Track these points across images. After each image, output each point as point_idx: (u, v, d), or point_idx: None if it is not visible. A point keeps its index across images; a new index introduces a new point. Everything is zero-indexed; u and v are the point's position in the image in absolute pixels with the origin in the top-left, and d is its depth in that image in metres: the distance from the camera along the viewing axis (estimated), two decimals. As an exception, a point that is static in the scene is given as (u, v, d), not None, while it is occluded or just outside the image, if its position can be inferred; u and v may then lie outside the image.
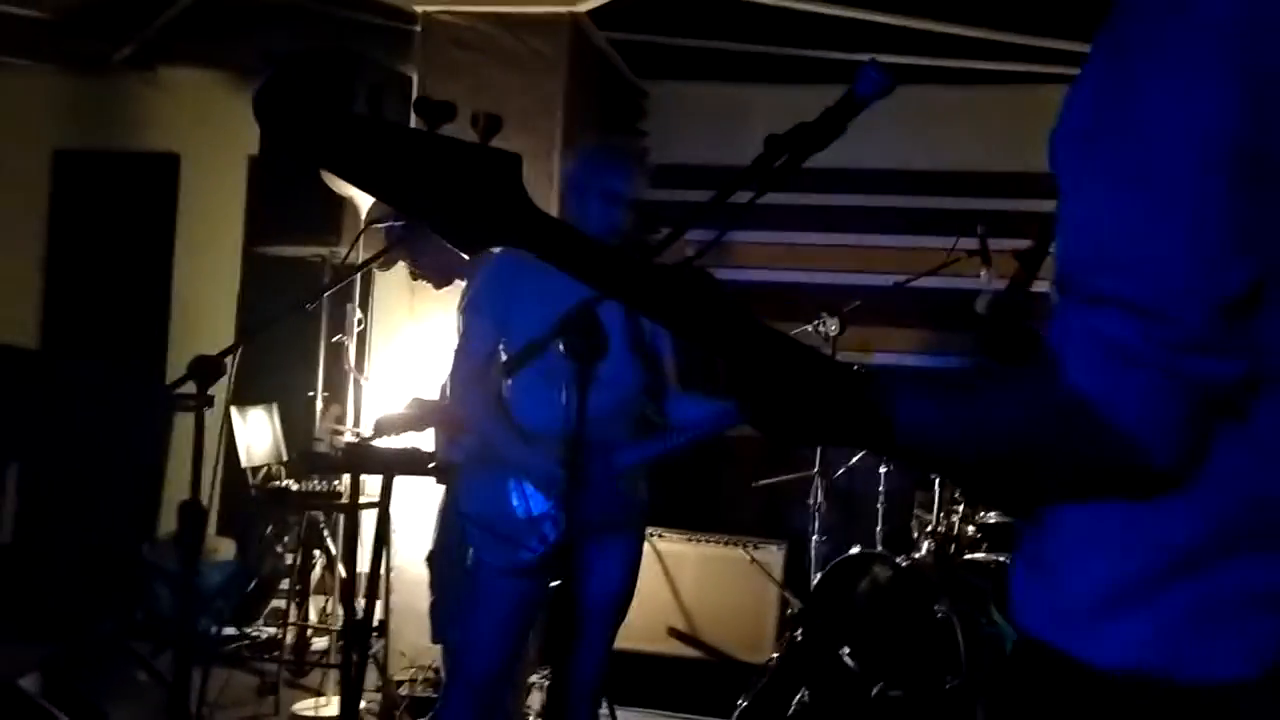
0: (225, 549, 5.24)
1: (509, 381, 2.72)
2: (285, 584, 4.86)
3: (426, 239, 3.24)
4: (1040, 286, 3.21)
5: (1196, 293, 0.83)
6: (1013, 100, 5.03)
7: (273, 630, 4.82)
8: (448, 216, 0.94)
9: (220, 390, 2.49)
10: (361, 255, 4.25)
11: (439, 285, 3.48)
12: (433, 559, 3.46)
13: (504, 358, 2.68)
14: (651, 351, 2.74)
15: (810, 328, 4.03)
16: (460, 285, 3.46)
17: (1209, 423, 0.88)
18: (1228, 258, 0.83)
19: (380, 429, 3.31)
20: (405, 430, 3.36)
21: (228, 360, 2.28)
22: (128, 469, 5.47)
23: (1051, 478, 0.94)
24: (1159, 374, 0.84)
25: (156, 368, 5.77)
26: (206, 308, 5.74)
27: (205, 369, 2.22)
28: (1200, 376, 0.85)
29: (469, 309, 2.75)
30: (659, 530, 4.34)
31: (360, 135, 0.92)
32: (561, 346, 1.68)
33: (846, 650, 3.67)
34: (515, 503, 2.61)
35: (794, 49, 4.78)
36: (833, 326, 4.02)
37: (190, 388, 2.31)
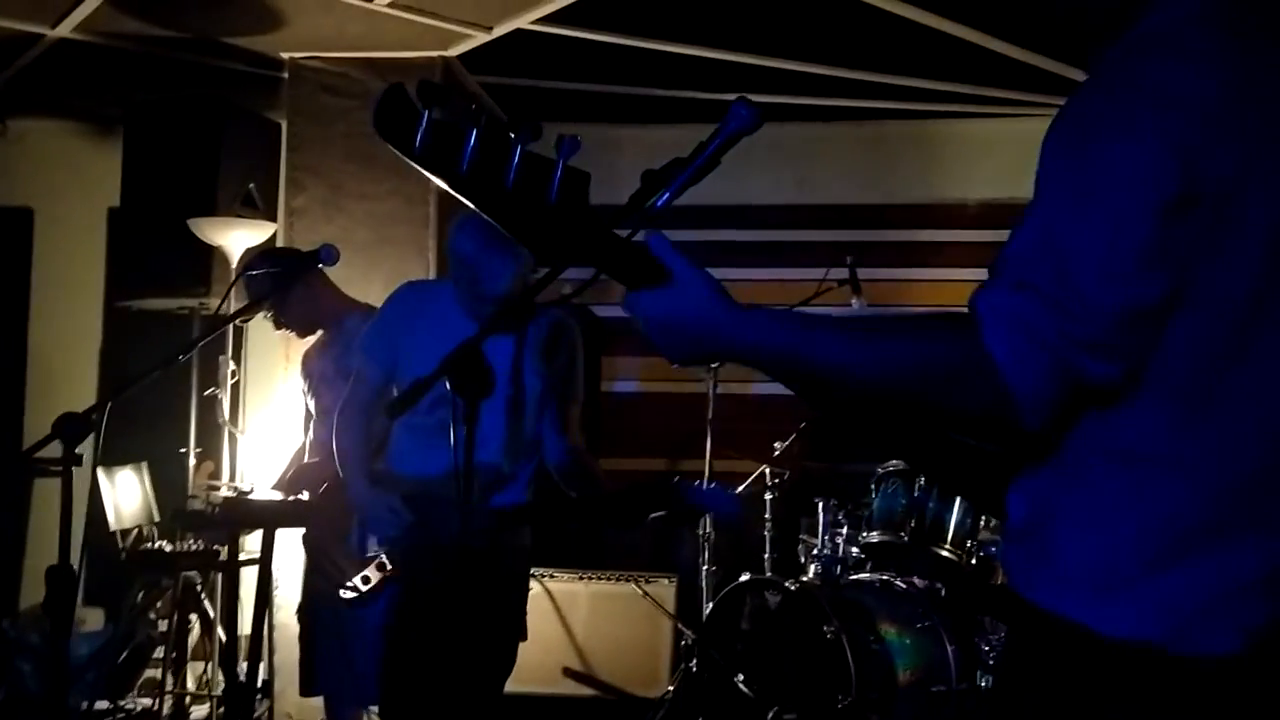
0: (93, 619, 5.00)
1: (393, 427, 2.71)
2: (159, 652, 4.66)
3: (289, 290, 3.25)
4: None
5: (1102, 301, 1.02)
6: (874, 135, 5.25)
7: (148, 701, 4.61)
8: (531, 230, 1.14)
9: (85, 449, 2.41)
10: (233, 306, 4.17)
11: (302, 335, 3.55)
12: (302, 612, 3.43)
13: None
14: (524, 398, 2.69)
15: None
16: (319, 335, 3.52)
17: (1074, 408, 1.07)
18: (1136, 277, 1.02)
19: (295, 484, 3.24)
20: (300, 489, 3.31)
21: (96, 418, 2.19)
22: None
23: (945, 411, 1.10)
24: (1053, 359, 1.03)
25: (12, 430, 5.50)
26: (66, 366, 5.50)
27: (73, 427, 2.13)
28: (1081, 371, 1.03)
29: (358, 351, 2.79)
30: (549, 571, 4.31)
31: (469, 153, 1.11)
32: (448, 385, 1.68)
33: (740, 677, 3.71)
34: (353, 540, 2.70)
35: (661, 90, 4.89)
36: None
37: (53, 450, 2.23)
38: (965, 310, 1.07)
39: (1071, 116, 1.09)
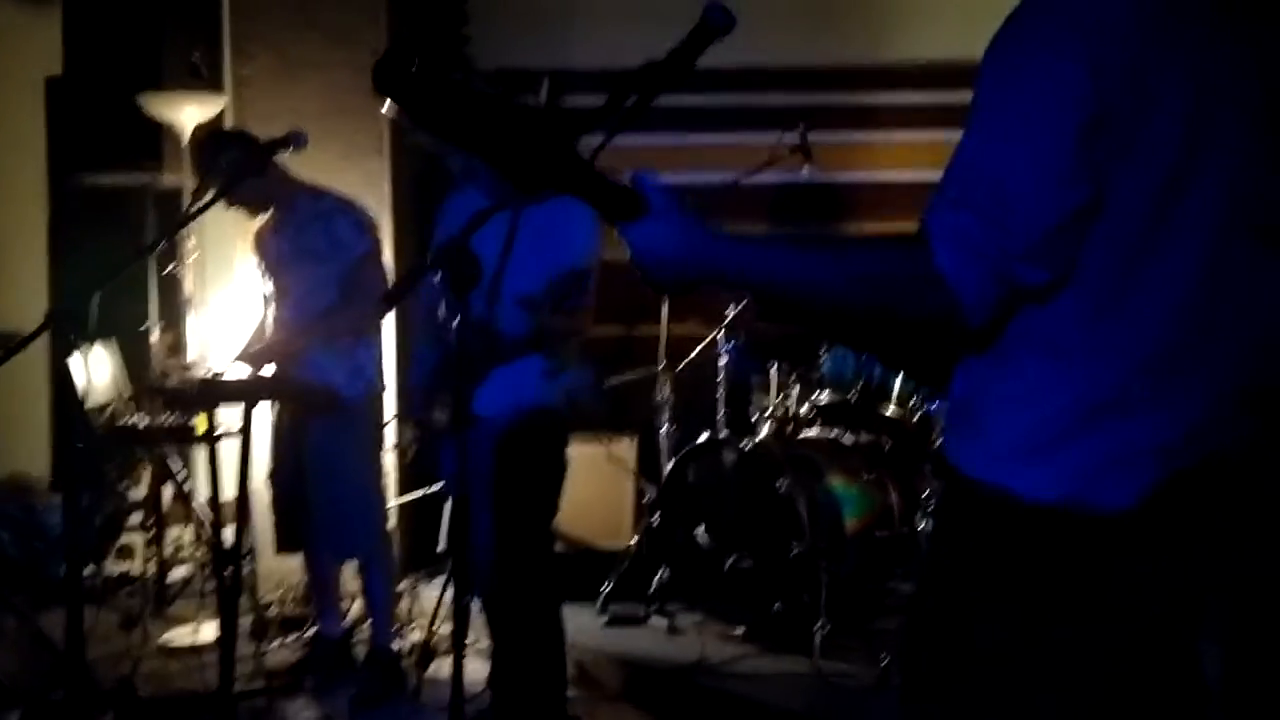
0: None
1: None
2: (134, 519, 4.79)
3: (243, 175, 3.29)
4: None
5: (1032, 217, 1.17)
6: (824, -4, 5.20)
7: (125, 567, 4.76)
8: (513, 164, 1.22)
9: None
10: (188, 186, 4.15)
11: (252, 215, 3.65)
12: (273, 477, 3.61)
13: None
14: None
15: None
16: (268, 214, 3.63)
17: (1011, 306, 1.24)
18: (1060, 193, 1.17)
19: (249, 360, 3.34)
20: (267, 361, 3.42)
21: (89, 307, 2.26)
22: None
23: (902, 319, 1.27)
24: (992, 270, 1.18)
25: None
26: (15, 243, 5.41)
27: (67, 319, 2.20)
28: (1015, 278, 1.20)
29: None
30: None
31: (453, 99, 1.19)
32: (437, 279, 1.77)
33: (700, 529, 3.95)
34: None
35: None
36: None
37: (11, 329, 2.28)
38: (916, 232, 1.21)
39: (1002, 41, 1.21)
